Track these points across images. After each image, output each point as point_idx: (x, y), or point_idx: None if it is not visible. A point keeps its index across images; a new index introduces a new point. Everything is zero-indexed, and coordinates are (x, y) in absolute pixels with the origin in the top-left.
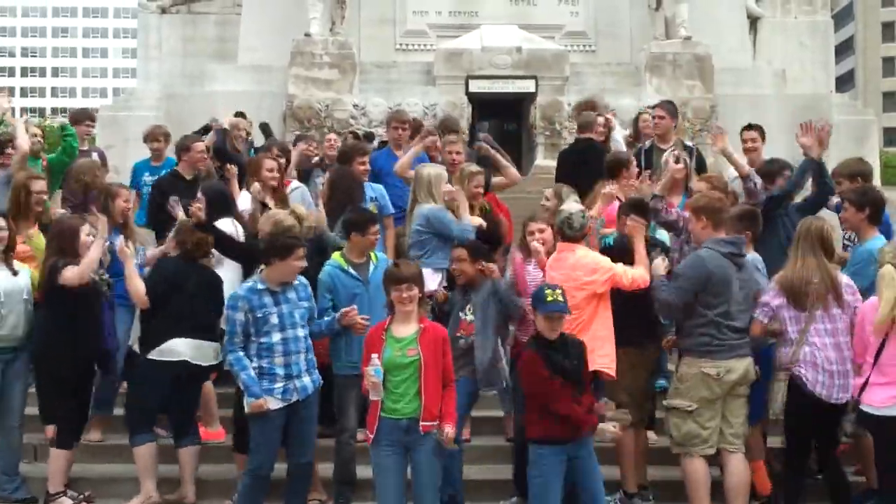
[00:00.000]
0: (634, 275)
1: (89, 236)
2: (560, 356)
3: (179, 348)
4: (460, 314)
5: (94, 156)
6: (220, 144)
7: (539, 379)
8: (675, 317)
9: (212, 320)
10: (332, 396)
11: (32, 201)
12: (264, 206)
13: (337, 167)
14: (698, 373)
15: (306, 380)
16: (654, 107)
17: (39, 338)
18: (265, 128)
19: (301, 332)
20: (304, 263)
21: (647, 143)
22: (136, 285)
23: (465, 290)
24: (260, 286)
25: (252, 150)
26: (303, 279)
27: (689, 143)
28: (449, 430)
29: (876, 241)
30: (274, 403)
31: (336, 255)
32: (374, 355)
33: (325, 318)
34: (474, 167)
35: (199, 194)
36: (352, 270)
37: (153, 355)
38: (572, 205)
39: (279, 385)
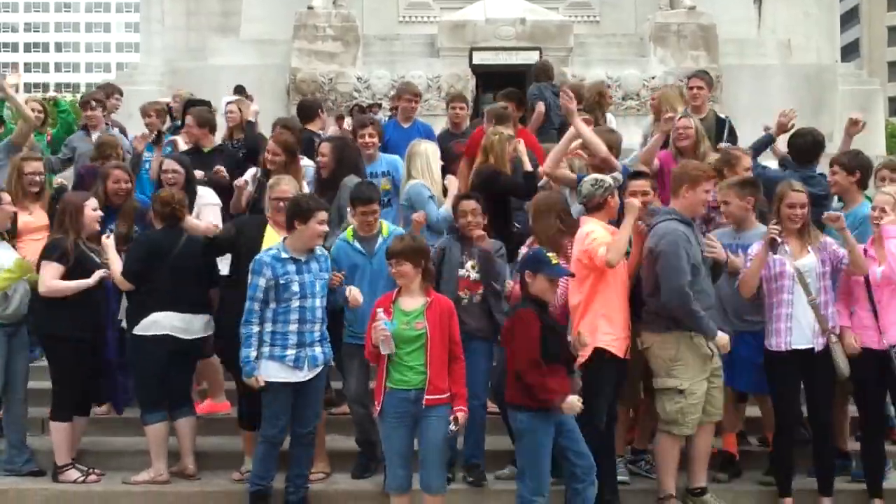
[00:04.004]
0: (599, 251)
1: (96, 211)
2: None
3: (163, 322)
4: (460, 271)
5: (116, 131)
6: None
7: (530, 339)
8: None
9: (200, 292)
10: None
11: (25, 182)
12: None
13: (339, 140)
14: None
15: (317, 350)
16: (690, 77)
17: (37, 313)
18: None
19: (318, 303)
20: (325, 228)
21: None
22: (114, 270)
23: (464, 246)
24: (284, 255)
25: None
26: (325, 251)
27: (723, 116)
28: (461, 415)
29: (864, 206)
30: (284, 375)
31: (348, 229)
32: (380, 310)
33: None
34: (508, 131)
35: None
36: (356, 244)
37: (138, 330)
38: (594, 174)
39: (291, 352)
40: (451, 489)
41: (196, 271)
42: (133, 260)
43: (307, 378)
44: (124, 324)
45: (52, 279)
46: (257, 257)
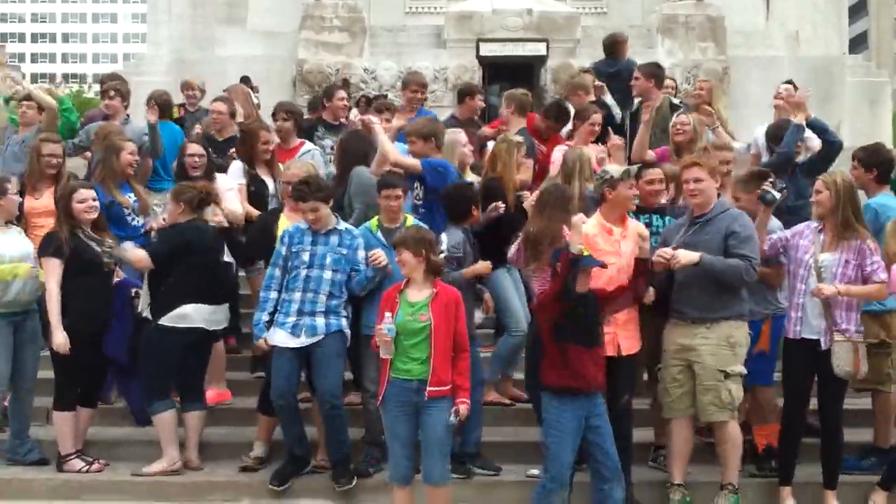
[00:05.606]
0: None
1: (83, 203)
2: (581, 306)
3: (193, 314)
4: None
5: (131, 121)
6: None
7: (550, 302)
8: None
9: (227, 282)
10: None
11: (42, 164)
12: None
13: (346, 133)
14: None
15: (319, 321)
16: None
17: (40, 302)
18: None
19: (328, 275)
20: (310, 215)
21: (635, 105)
22: (136, 254)
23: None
24: (303, 225)
25: None
26: (354, 230)
27: (676, 101)
28: (463, 407)
29: (880, 197)
30: (283, 340)
31: (373, 219)
32: (388, 314)
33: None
34: (517, 137)
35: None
36: (379, 234)
37: (166, 321)
38: (606, 166)
39: (291, 319)
40: (459, 481)
41: (220, 261)
42: (162, 243)
43: (304, 345)
44: (145, 313)
45: (54, 284)
46: (286, 228)
